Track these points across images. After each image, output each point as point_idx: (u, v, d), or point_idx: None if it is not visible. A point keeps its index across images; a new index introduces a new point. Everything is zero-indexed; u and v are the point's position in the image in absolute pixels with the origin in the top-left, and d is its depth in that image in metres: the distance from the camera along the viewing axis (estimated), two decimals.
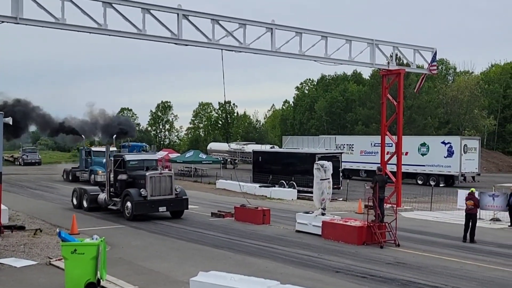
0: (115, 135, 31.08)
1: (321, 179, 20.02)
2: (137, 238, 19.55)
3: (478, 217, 25.05)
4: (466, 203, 20.51)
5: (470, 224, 19.88)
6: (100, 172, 38.67)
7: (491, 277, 14.34)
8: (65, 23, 19.78)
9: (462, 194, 26.73)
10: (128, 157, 25.25)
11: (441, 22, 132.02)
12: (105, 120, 39.00)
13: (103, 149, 39.06)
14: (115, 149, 36.09)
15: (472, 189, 22.00)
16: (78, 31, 20.44)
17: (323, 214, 20.31)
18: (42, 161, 73.89)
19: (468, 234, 19.85)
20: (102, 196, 25.93)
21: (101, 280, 12.43)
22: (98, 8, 20.44)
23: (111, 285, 12.51)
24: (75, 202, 27.54)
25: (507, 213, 24.21)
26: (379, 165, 25.92)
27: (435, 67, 30.74)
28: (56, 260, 15.02)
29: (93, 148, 43.67)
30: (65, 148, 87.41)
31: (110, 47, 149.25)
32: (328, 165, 20.23)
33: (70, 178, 45.01)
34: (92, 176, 40.72)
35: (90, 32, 20.65)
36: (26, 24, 19.39)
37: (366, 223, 18.65)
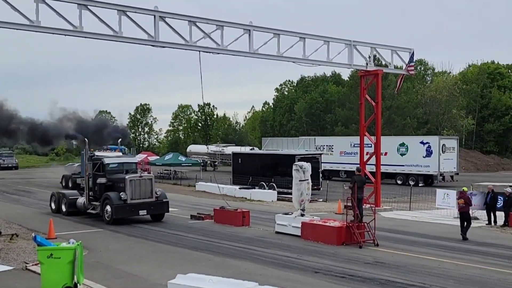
0: (120, 139, 29.80)
1: (300, 180, 20.04)
2: (115, 241, 19.40)
3: (456, 216, 25.50)
4: (457, 202, 21.04)
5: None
6: None
7: (468, 275, 14.47)
8: (40, 25, 19.52)
9: (441, 193, 27.03)
10: (107, 160, 25.00)
11: (418, 23, 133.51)
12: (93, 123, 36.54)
13: (109, 154, 36.21)
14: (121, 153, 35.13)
15: (464, 188, 22.39)
16: (53, 33, 20.20)
17: (302, 215, 20.34)
18: (19, 166, 73.01)
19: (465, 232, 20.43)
20: (81, 200, 25.67)
21: (78, 285, 12.31)
22: (73, 10, 20.22)
23: None
24: (53, 206, 27.23)
25: (485, 212, 24.50)
26: (358, 165, 26.06)
27: (413, 68, 30.96)
28: (32, 265, 14.86)
29: (98, 153, 39.70)
30: (43, 152, 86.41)
31: (86, 49, 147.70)
32: (307, 166, 20.26)
33: (70, 185, 39.45)
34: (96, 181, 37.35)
35: (65, 35, 20.44)
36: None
37: (345, 223, 18.71)
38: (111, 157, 25.78)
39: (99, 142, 27.31)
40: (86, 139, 31.37)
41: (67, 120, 28.63)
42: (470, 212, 25.16)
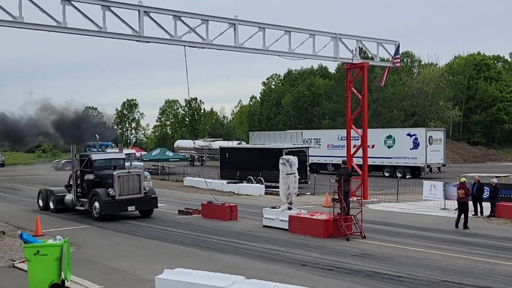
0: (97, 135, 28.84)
1: (287, 174, 20.09)
2: (103, 237, 19.36)
3: (443, 207, 25.74)
4: (457, 192, 21.48)
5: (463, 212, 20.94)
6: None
7: (454, 265, 14.59)
8: (23, 21, 19.32)
9: (428, 185, 27.26)
10: (95, 156, 24.87)
11: (404, 15, 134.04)
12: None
13: (113, 151, 32.36)
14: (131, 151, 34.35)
15: (463, 178, 22.68)
16: (36, 29, 20.01)
17: (289, 208, 20.40)
18: (5, 163, 72.56)
19: (459, 222, 20.90)
20: (69, 197, 25.54)
21: (65, 281, 12.30)
22: (56, 5, 20.04)
23: (76, 286, 12.41)
24: (41, 203, 27.07)
25: (471, 203, 24.67)
26: (344, 158, 26.16)
27: (399, 60, 31.05)
28: (19, 262, 14.80)
29: (110, 150, 34.72)
30: (30, 149, 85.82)
31: (71, 45, 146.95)
32: (294, 159, 20.31)
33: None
34: None
35: (49, 31, 20.23)
36: None
37: (332, 216, 18.80)
38: (99, 153, 25.67)
39: (76, 139, 26.62)
40: (96, 136, 30.41)
41: (43, 114, 27.71)
42: (457, 203, 25.47)
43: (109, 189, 23.09)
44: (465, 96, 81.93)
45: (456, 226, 20.89)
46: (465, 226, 20.74)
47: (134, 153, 33.95)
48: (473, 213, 24.04)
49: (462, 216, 20.93)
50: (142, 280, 12.96)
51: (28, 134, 26.61)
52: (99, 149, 26.68)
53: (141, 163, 31.87)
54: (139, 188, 23.78)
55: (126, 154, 31.12)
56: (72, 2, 20.15)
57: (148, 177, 30.94)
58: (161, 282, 10.32)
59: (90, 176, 24.17)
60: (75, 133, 26.33)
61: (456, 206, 25.35)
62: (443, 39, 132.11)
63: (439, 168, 45.48)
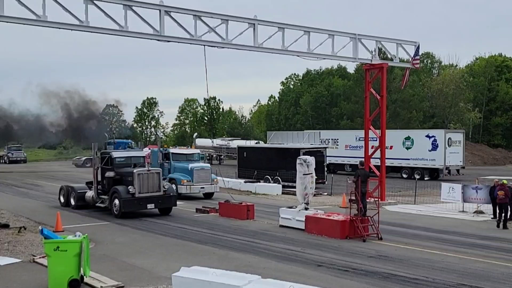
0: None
1: (304, 174, 20.14)
2: (121, 234, 19.58)
3: (461, 209, 25.58)
4: (497, 193, 22.01)
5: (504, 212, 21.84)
6: (185, 181, 30.18)
7: (471, 269, 14.52)
8: (46, 20, 19.68)
9: (446, 187, 27.03)
10: (115, 154, 25.08)
11: (424, 15, 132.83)
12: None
13: (186, 151, 33.67)
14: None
15: (504, 180, 22.98)
16: (59, 28, 20.35)
17: (306, 208, 20.43)
18: (27, 159, 73.52)
19: (500, 222, 21.66)
20: (90, 193, 25.80)
21: (84, 277, 12.49)
22: (79, 5, 20.38)
23: (94, 282, 12.56)
24: (62, 200, 27.39)
25: (490, 206, 24.48)
26: (362, 159, 26.10)
27: (418, 61, 30.92)
28: (39, 257, 15.02)
29: (173, 150, 33.40)
30: (51, 146, 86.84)
31: (92, 44, 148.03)
32: (311, 159, 20.35)
33: None
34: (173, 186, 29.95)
35: (71, 29, 20.57)
36: (7, 22, 19.27)
37: (349, 217, 18.81)
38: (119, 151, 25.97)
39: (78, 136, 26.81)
40: (157, 134, 30.52)
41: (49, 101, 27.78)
42: (476, 206, 25.34)
43: (129, 187, 23.30)
44: (485, 98, 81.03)
45: (498, 226, 21.49)
46: (505, 226, 21.30)
47: (198, 153, 33.62)
48: (492, 216, 23.84)
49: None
50: (159, 277, 13.13)
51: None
52: (125, 147, 26.92)
53: (208, 165, 31.59)
54: (158, 186, 23.97)
55: (192, 153, 32.45)
56: (94, 1, 20.46)
57: (215, 179, 31.20)
58: (178, 280, 10.43)
59: (110, 174, 24.41)
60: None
61: (475, 209, 25.30)
62: (464, 39, 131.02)
63: (458, 170, 45.12)
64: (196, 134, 37.64)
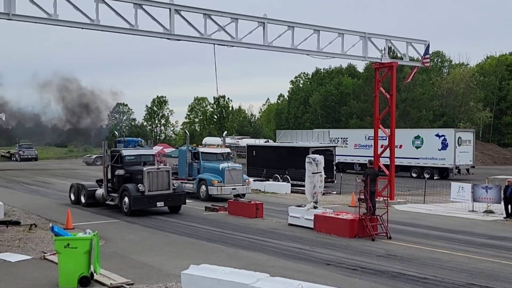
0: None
1: (313, 173, 20.15)
2: (131, 232, 19.69)
3: (471, 209, 25.48)
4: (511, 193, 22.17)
5: None
6: (216, 182, 28.76)
7: (481, 268, 14.48)
8: (57, 18, 19.84)
9: (456, 186, 26.94)
10: (125, 152, 25.21)
11: (434, 14, 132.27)
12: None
13: (216, 150, 31.84)
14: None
15: None
16: (70, 26, 20.50)
17: (315, 207, 20.45)
18: (38, 157, 74.00)
19: None
20: (100, 191, 25.94)
21: (94, 274, 12.57)
22: (90, 3, 20.52)
23: (104, 279, 12.64)
24: (72, 197, 27.54)
25: (500, 205, 24.38)
26: (371, 158, 26.10)
27: (428, 60, 30.82)
28: (50, 254, 15.14)
29: (202, 149, 31.43)
30: (62, 144, 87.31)
31: (102, 42, 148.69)
32: (320, 158, 20.35)
33: None
34: (202, 188, 29.31)
35: (82, 28, 20.71)
36: (18, 20, 19.43)
37: (358, 216, 18.80)
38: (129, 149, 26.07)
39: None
40: (186, 132, 30.10)
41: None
42: (486, 205, 25.23)
43: (139, 185, 23.41)
44: (496, 97, 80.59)
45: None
46: None
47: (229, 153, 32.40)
48: (504, 216, 23.73)
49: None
50: (168, 275, 13.19)
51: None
52: (134, 146, 26.99)
53: (240, 165, 30.87)
54: (168, 184, 24.05)
55: (223, 153, 31.12)
56: (105, 0, 20.55)
57: (247, 180, 30.16)
58: (187, 278, 10.49)
59: (120, 172, 24.52)
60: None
61: (485, 209, 25.20)
62: (474, 38, 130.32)
63: (467, 170, 44.91)
64: (225, 132, 36.23)
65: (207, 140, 71.87)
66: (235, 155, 31.80)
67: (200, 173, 29.90)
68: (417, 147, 45.63)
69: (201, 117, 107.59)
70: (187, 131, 29.22)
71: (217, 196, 28.81)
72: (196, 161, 30.33)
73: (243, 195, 28.83)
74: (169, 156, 50.85)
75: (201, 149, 31.16)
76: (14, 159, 72.71)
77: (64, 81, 28.12)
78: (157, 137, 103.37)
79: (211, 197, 28.35)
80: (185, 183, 29.83)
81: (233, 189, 28.46)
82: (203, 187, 29.04)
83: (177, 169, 31.73)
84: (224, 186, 28.68)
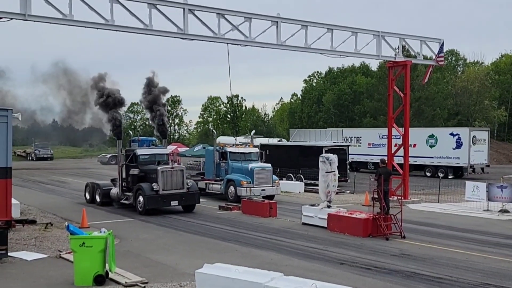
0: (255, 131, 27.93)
1: (326, 172, 20.14)
2: (145, 231, 19.81)
3: (486, 208, 25.32)
4: None
5: None
6: (245, 182, 27.73)
7: (496, 268, 14.40)
8: (72, 19, 20.00)
9: (470, 186, 26.77)
10: (140, 151, 25.37)
11: (449, 12, 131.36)
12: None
13: (244, 149, 30.45)
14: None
15: None
16: (85, 27, 20.65)
17: (328, 206, 20.43)
18: (54, 156, 74.63)
19: None
20: (115, 190, 26.14)
21: (109, 272, 12.67)
22: (105, 4, 20.66)
23: (119, 277, 12.74)
24: (87, 196, 27.77)
25: None
26: (383, 157, 25.99)
27: (443, 58, 30.63)
28: (66, 253, 15.29)
29: (230, 149, 30.09)
30: (76, 143, 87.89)
31: (117, 42, 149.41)
32: (333, 157, 20.34)
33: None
34: (231, 188, 28.27)
35: (97, 28, 20.85)
36: (34, 21, 19.61)
37: (372, 215, 18.76)
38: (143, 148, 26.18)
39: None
40: (214, 131, 29.89)
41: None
42: (501, 204, 25.06)
43: (153, 184, 23.54)
44: (511, 96, 79.85)
45: None
46: None
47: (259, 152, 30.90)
48: None
49: None
50: (182, 274, 13.27)
51: None
52: (149, 145, 27.06)
53: (269, 165, 29.61)
54: (182, 184, 24.15)
55: (250, 152, 30.04)
56: (119, 0, 20.68)
57: (276, 181, 29.44)
58: (201, 276, 10.53)
59: (135, 171, 24.68)
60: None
61: (500, 208, 25.02)
62: (489, 36, 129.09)
63: (482, 169, 44.55)
64: (253, 131, 35.31)
65: (220, 139, 72.01)
66: (264, 155, 30.74)
67: (228, 174, 28.96)
68: (431, 146, 45.36)
69: (215, 117, 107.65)
70: (214, 130, 28.60)
71: (247, 197, 26.43)
72: (224, 161, 29.39)
73: (272, 196, 28.34)
74: (182, 155, 51.05)
75: (229, 149, 29.94)
76: (30, 158, 73.39)
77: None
78: (171, 137, 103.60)
79: (240, 198, 26.66)
80: (212, 184, 29.53)
81: (262, 190, 27.77)
82: (232, 188, 28.10)
83: (190, 168, 31.70)
84: (253, 187, 27.64)
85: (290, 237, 18.51)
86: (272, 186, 28.62)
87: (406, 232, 18.76)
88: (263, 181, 28.10)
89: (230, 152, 29.47)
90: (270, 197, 28.22)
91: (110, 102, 25.36)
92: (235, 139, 35.22)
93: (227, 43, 23.58)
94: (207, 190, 29.77)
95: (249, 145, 31.52)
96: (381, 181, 19.13)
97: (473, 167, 43.67)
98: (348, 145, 40.51)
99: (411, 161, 33.77)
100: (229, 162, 29.11)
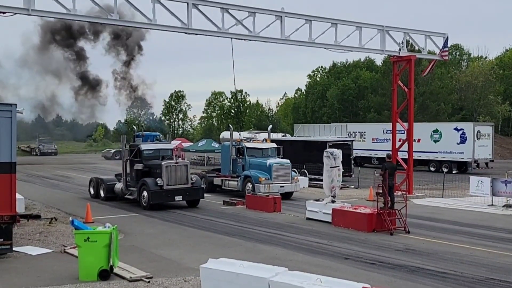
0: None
1: (331, 167, 20.12)
2: (150, 226, 19.84)
3: (490, 203, 25.27)
4: None
5: None
6: (263, 179, 26.82)
7: (500, 263, 14.37)
8: (76, 13, 19.98)
9: (474, 181, 26.70)
10: (144, 146, 25.36)
11: (453, 7, 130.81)
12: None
13: (262, 145, 29.58)
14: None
15: None
16: (88, 21, 20.65)
17: (333, 201, 20.42)
18: (58, 151, 74.85)
19: None
20: (119, 185, 26.18)
21: (113, 267, 12.69)
22: None
23: (124, 272, 12.76)
24: (92, 191, 27.83)
25: None
26: (389, 152, 25.93)
27: (447, 53, 30.51)
28: (70, 248, 15.33)
29: (248, 144, 29.10)
30: (80, 138, 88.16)
31: None
32: (338, 152, 20.31)
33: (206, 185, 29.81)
34: (248, 185, 27.41)
35: (101, 23, 20.87)
36: (38, 16, 19.63)
37: (376, 210, 18.74)
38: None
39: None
40: (230, 126, 29.66)
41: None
42: (505, 199, 25.00)
43: (157, 179, 23.55)
44: None
45: None
46: None
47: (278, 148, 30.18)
48: None
49: None
50: (187, 269, 13.28)
51: None
52: (153, 140, 27.05)
53: (288, 161, 28.89)
54: (186, 179, 24.17)
55: (267, 148, 29.29)
56: None
57: (295, 177, 28.67)
58: (206, 271, 10.54)
59: (139, 166, 24.68)
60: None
61: (504, 203, 24.97)
62: (493, 31, 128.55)
63: (486, 164, 44.44)
64: (270, 126, 34.50)
65: (224, 134, 72.02)
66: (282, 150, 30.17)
67: (245, 170, 28.04)
68: (435, 141, 45.28)
69: (219, 112, 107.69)
70: (230, 125, 28.07)
71: (264, 194, 25.49)
72: (241, 157, 28.40)
73: (291, 193, 27.95)
74: (186, 150, 51.13)
75: (247, 144, 28.88)
76: (34, 153, 73.63)
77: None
78: (175, 132, 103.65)
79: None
80: (229, 180, 28.94)
81: (281, 186, 27.10)
82: (249, 184, 27.13)
83: (195, 163, 31.70)
84: (272, 183, 26.75)
85: (294, 232, 18.51)
86: (290, 182, 27.79)
87: (411, 227, 18.74)
88: (282, 177, 27.31)
89: (247, 147, 28.65)
90: (289, 194, 27.82)
91: None
92: (239, 134, 34.99)
93: (231, 38, 23.51)
94: (223, 187, 29.38)
95: (266, 140, 30.64)
96: (386, 176, 19.11)
97: (477, 162, 43.56)
98: (352, 140, 40.49)
99: (415, 156, 33.70)
100: (246, 158, 28.24)
